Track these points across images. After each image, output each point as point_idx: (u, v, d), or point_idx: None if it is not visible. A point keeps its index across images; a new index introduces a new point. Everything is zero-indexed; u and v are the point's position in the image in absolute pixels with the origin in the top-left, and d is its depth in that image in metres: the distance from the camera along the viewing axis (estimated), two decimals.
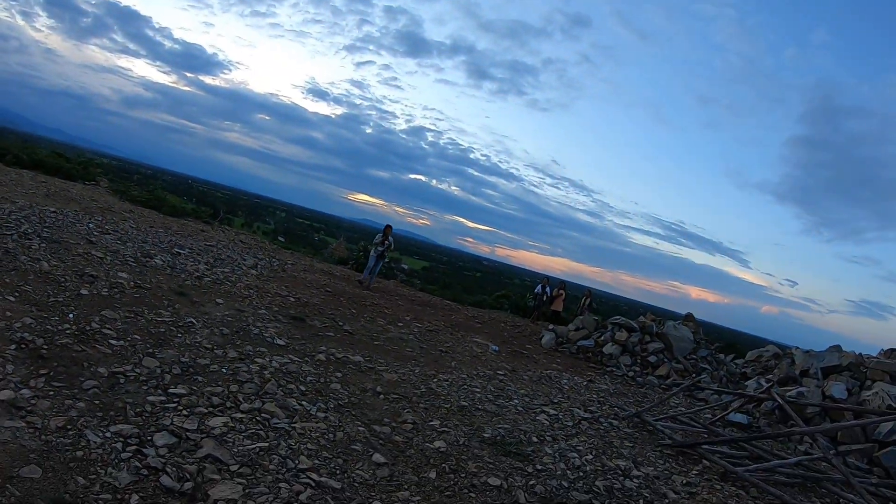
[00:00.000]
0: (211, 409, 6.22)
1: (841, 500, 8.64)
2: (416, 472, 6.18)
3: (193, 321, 8.97)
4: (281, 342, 9.38)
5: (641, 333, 18.51)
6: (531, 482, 6.67)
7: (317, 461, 5.74)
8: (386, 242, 20.45)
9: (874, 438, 11.81)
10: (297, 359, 8.76)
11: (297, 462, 5.59)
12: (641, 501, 6.94)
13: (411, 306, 18.52)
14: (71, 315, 7.66)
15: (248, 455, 5.47)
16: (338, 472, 5.68)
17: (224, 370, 7.38)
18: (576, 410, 10.44)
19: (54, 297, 8.13)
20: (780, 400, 10.58)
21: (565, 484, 6.85)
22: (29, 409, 5.24)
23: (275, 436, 6.01)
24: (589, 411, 10.67)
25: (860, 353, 16.18)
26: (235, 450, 5.49)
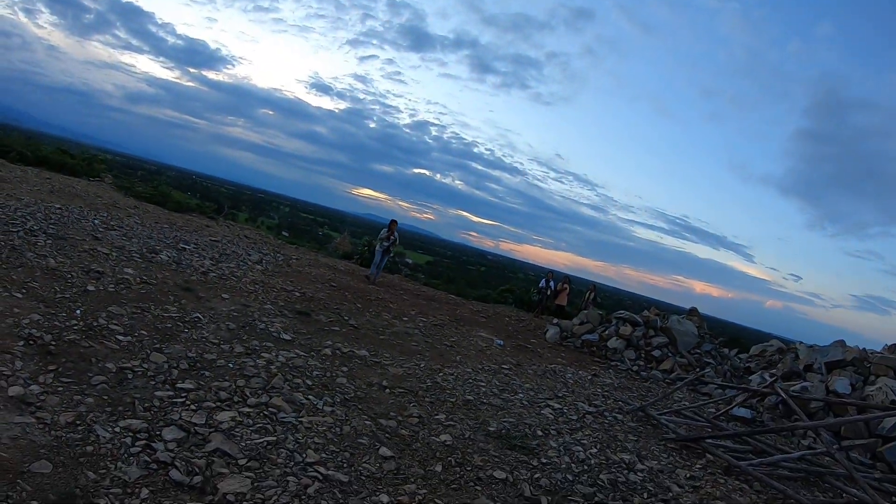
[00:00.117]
0: (218, 403, 6.25)
1: (844, 495, 8.65)
2: (422, 466, 6.21)
3: (200, 316, 9.02)
4: (287, 337, 9.42)
5: (645, 328, 18.52)
6: (536, 475, 6.71)
7: (324, 455, 5.78)
8: (392, 238, 20.48)
9: (877, 434, 11.84)
10: (303, 353, 8.80)
11: (304, 456, 5.62)
12: (645, 495, 6.97)
13: (416, 301, 18.57)
14: (78, 311, 7.71)
15: (256, 449, 5.50)
16: (345, 465, 5.72)
17: (231, 365, 7.43)
18: (580, 404, 10.47)
19: (61, 294, 8.17)
20: (783, 395, 10.61)
21: (570, 477, 6.89)
22: (38, 404, 5.28)
23: (282, 430, 6.04)
24: (593, 405, 10.70)
25: (864, 349, 16.20)
26: (243, 444, 5.53)
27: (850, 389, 14.31)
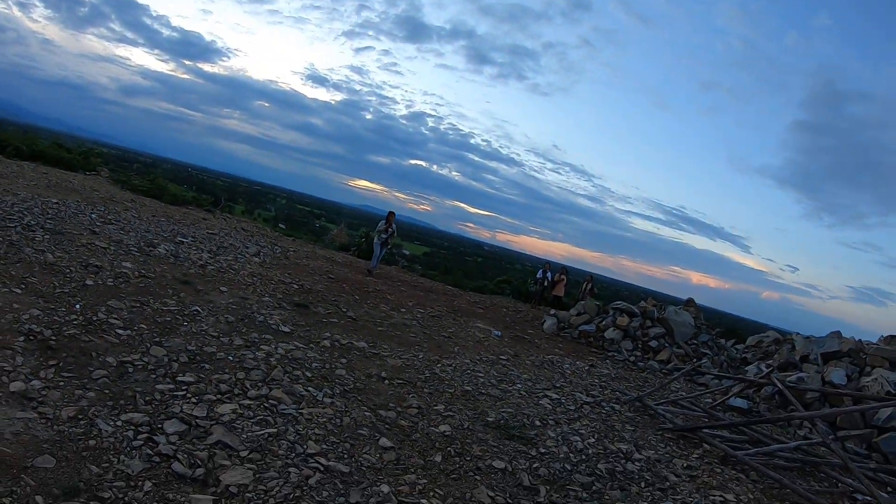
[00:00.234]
0: (219, 396, 6.29)
1: (839, 485, 8.72)
2: (422, 456, 6.27)
3: (199, 309, 9.04)
4: (286, 329, 9.46)
5: (643, 318, 18.60)
6: (535, 465, 6.77)
7: (325, 446, 5.82)
8: (390, 229, 20.50)
9: (873, 424, 11.91)
10: (302, 345, 8.84)
11: (305, 447, 5.67)
12: (643, 484, 7.02)
13: (413, 292, 18.61)
14: (77, 306, 7.73)
15: (258, 441, 5.55)
16: (345, 456, 5.77)
17: (231, 358, 7.46)
18: (578, 395, 10.53)
19: (60, 289, 8.19)
20: (779, 385, 10.66)
21: (568, 467, 6.95)
22: (40, 399, 5.31)
23: (283, 422, 6.09)
24: (591, 395, 10.76)
25: (860, 340, 16.26)
26: (245, 436, 5.57)
27: (846, 380, 14.37)
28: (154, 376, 6.39)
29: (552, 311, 20.59)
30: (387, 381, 8.40)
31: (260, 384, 6.87)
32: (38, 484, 4.22)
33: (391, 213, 20.96)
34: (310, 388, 7.17)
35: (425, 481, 5.73)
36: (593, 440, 8.15)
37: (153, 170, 48.11)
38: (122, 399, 5.72)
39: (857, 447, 11.50)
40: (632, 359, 16.78)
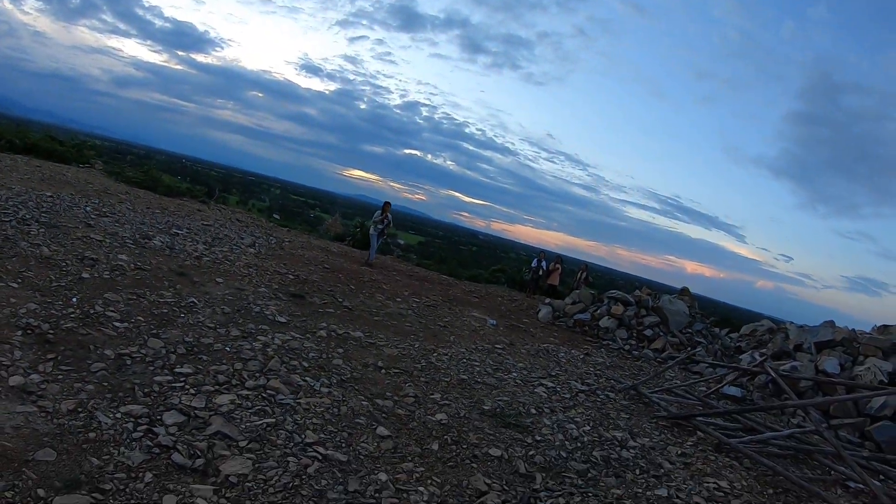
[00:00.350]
0: (217, 386, 6.34)
1: (832, 472, 8.79)
2: (419, 444, 6.32)
3: (195, 301, 9.08)
4: (282, 319, 9.50)
5: (637, 307, 18.65)
6: (531, 452, 6.82)
7: (323, 435, 5.88)
8: (385, 220, 20.50)
9: (866, 413, 11.99)
10: (298, 336, 8.88)
11: (303, 436, 5.72)
12: (637, 471, 7.07)
13: (409, 281, 18.63)
14: (74, 299, 7.76)
15: (256, 431, 5.60)
16: (343, 445, 5.82)
17: (228, 348, 7.50)
18: (573, 383, 10.59)
19: (56, 282, 8.22)
20: (773, 374, 10.71)
21: (564, 454, 7.01)
22: (39, 393, 5.35)
23: (281, 411, 6.14)
24: (586, 384, 10.81)
25: (853, 329, 16.34)
26: (243, 426, 5.62)
27: (840, 369, 14.44)
28: (152, 368, 6.44)
29: (547, 300, 20.64)
30: (383, 371, 8.45)
31: (257, 374, 6.92)
32: (40, 477, 4.26)
33: (387, 204, 20.94)
34: (307, 378, 7.22)
35: (422, 469, 5.78)
36: (588, 428, 8.20)
37: (147, 161, 47.95)
38: (121, 391, 5.76)
39: (849, 436, 11.59)
40: (626, 347, 16.84)
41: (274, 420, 5.90)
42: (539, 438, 7.34)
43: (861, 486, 8.06)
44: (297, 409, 6.28)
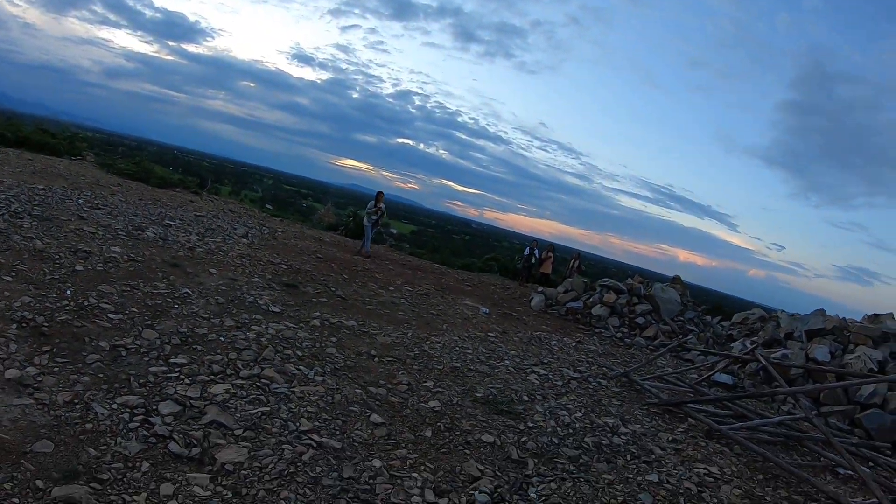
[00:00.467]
0: (212, 376, 6.39)
1: (821, 459, 8.89)
2: (412, 431, 6.40)
3: (189, 292, 9.11)
4: (276, 309, 9.54)
5: (629, 295, 18.73)
6: (523, 439, 6.90)
7: (317, 423, 5.94)
8: (379, 209, 20.51)
9: (856, 401, 12.10)
10: (292, 325, 8.93)
11: (298, 424, 5.78)
12: (629, 457, 7.15)
13: (402, 270, 18.67)
14: (68, 291, 7.79)
15: (251, 419, 5.66)
16: (338, 432, 5.89)
17: (222, 338, 7.55)
18: (565, 370, 10.66)
19: (50, 275, 8.24)
20: (763, 361, 10.79)
21: (556, 440, 7.09)
22: (36, 386, 5.39)
23: (275, 400, 6.19)
24: (578, 371, 10.88)
25: (844, 318, 16.45)
26: (238, 415, 5.68)
27: (830, 357, 14.53)
28: (147, 359, 6.48)
29: (540, 289, 20.71)
30: (377, 359, 8.51)
31: (252, 364, 6.97)
32: (38, 468, 4.31)
33: (380, 194, 20.91)
34: (301, 367, 7.28)
35: (416, 455, 5.86)
36: (580, 414, 8.28)
37: (139, 153, 47.71)
38: (117, 382, 5.80)
39: (839, 423, 11.70)
40: (619, 335, 16.93)
41: (269, 408, 5.96)
42: (531, 425, 7.41)
43: (850, 472, 8.15)
44: (291, 398, 6.34)
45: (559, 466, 6.46)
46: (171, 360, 6.55)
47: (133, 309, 7.79)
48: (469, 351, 10.27)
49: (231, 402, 5.92)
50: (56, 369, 5.80)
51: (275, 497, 4.62)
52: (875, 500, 6.96)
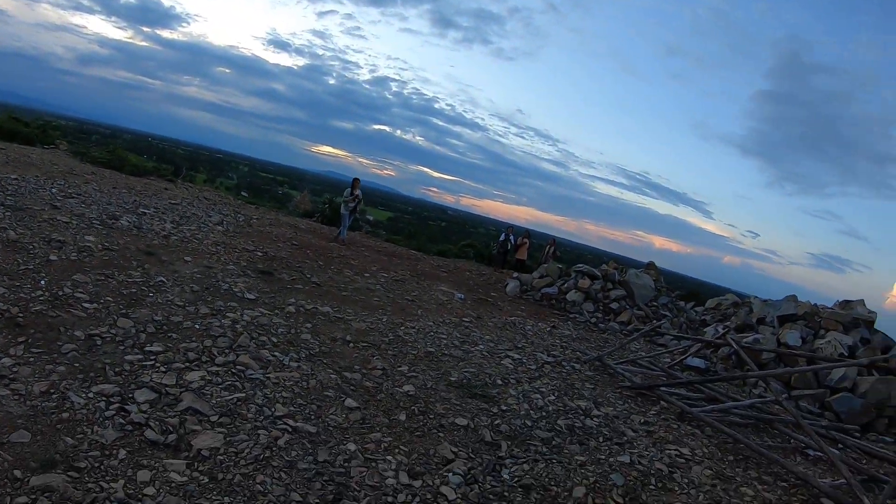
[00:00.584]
0: (187, 364, 6.43)
1: (791, 441, 9.06)
2: (386, 415, 6.48)
3: (164, 280, 9.13)
4: (251, 296, 9.58)
5: (604, 281, 18.86)
6: (496, 422, 7.01)
7: (292, 408, 6.01)
8: (356, 196, 20.50)
9: (826, 384, 12.34)
10: (267, 312, 8.97)
11: (273, 410, 5.85)
12: (601, 438, 7.26)
13: (377, 257, 18.71)
14: (42, 281, 7.79)
15: (227, 406, 5.72)
16: (313, 417, 5.97)
17: (197, 326, 7.58)
18: (539, 355, 10.76)
19: (24, 265, 8.22)
20: (735, 345, 10.93)
21: (529, 423, 7.20)
22: (11, 376, 5.41)
23: (251, 386, 6.25)
24: (552, 355, 10.98)
25: (815, 304, 16.73)
26: (214, 401, 5.74)
27: (801, 342, 14.77)
28: (122, 347, 6.51)
29: (515, 274, 20.80)
30: (351, 345, 8.58)
31: (227, 351, 7.01)
32: (16, 458, 4.35)
33: (356, 180, 20.88)
34: (276, 353, 7.34)
35: (390, 439, 5.95)
36: (553, 398, 8.39)
37: (112, 141, 47.34)
38: (92, 371, 5.84)
39: (810, 406, 11.94)
40: (593, 320, 17.06)
41: (244, 394, 6.02)
42: (505, 408, 7.52)
43: (819, 453, 8.31)
44: (266, 384, 6.40)
45: (532, 448, 6.56)
46: (147, 349, 6.59)
47: (108, 298, 7.81)
48: (444, 336, 10.35)
49: (206, 388, 5.97)
50: (31, 359, 5.82)
51: (251, 481, 4.69)
52: (843, 480, 7.12)
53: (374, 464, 5.40)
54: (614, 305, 17.99)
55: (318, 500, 4.68)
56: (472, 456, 6.05)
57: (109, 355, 6.25)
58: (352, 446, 5.57)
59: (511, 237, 25.55)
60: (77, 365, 5.90)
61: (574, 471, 6.20)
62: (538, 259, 26.03)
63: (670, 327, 17.18)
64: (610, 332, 16.15)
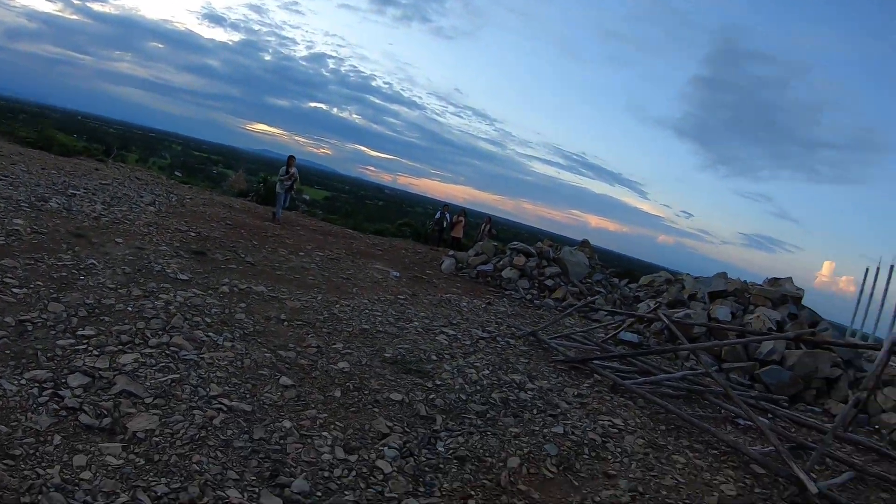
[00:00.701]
0: (120, 346, 6.38)
1: (722, 411, 9.40)
2: (321, 392, 6.55)
3: (95, 262, 9.02)
4: (184, 277, 9.52)
5: (539, 258, 19.12)
6: (431, 396, 7.14)
7: (227, 387, 6.03)
8: (292, 174, 20.36)
9: (756, 358, 12.82)
10: (200, 292, 8.93)
11: (208, 390, 5.86)
12: (535, 411, 7.44)
13: (312, 236, 18.65)
14: None
15: (161, 387, 5.71)
16: (248, 396, 6.00)
17: (130, 308, 7.52)
18: (474, 331, 10.92)
19: None
20: (666, 320, 11.20)
21: (463, 397, 7.35)
22: None
23: (185, 367, 6.24)
24: (487, 331, 11.15)
25: (745, 281, 17.30)
26: (148, 383, 5.72)
27: (731, 317, 15.30)
28: (54, 332, 6.44)
29: (451, 252, 20.98)
30: (286, 323, 8.61)
31: (160, 332, 6.98)
32: None
33: (291, 157, 20.73)
34: (210, 334, 7.33)
35: (325, 415, 6.03)
36: (488, 372, 8.54)
37: (40, 120, 46.11)
38: (24, 357, 5.77)
39: (740, 378, 12.39)
40: (528, 297, 17.30)
41: (178, 375, 6.01)
42: (439, 383, 7.65)
43: (749, 423, 8.63)
44: (200, 364, 6.40)
45: (467, 421, 6.71)
46: (79, 333, 6.52)
47: (38, 282, 7.70)
48: (378, 313, 10.42)
49: (140, 371, 5.95)
50: None
51: (187, 461, 4.71)
52: (772, 447, 7.41)
53: (309, 440, 5.48)
54: (549, 282, 18.27)
55: (254, 478, 4.73)
56: (408, 430, 6.17)
57: (41, 341, 6.18)
58: (287, 423, 5.63)
59: (447, 215, 25.71)
60: (8, 352, 5.82)
61: (508, 442, 6.36)
62: (474, 237, 26.23)
63: (604, 303, 17.51)
64: (545, 308, 16.41)
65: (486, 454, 6.01)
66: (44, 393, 5.21)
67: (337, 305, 10.25)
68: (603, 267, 21.19)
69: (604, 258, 22.85)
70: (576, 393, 8.50)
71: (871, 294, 16.59)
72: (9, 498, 3.96)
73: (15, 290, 7.27)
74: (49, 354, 5.92)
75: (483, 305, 14.08)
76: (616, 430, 7.35)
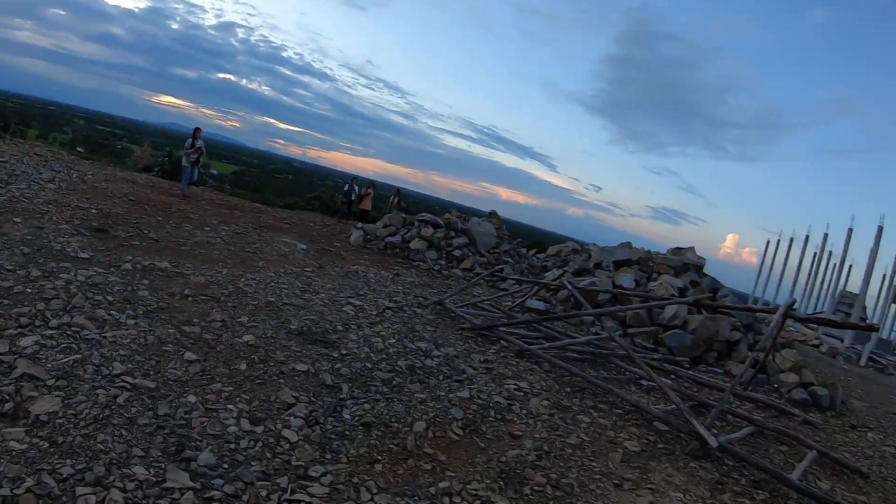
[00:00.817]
0: (20, 329, 6.28)
1: (626, 373, 9.83)
2: (227, 366, 6.59)
3: None
4: (85, 255, 9.35)
5: (447, 229, 19.40)
6: (337, 366, 7.29)
7: (130, 365, 6.01)
8: (197, 146, 20.03)
9: (659, 323, 13.43)
10: (102, 270, 8.79)
11: (111, 369, 5.83)
12: (441, 377, 7.69)
13: (219, 211, 18.49)
14: None
15: (63, 368, 5.66)
16: (151, 372, 6.00)
17: (29, 290, 7.37)
18: (381, 301, 11.09)
19: None
20: (571, 287, 11.54)
21: (369, 365, 7.53)
22: None
23: (87, 347, 6.19)
24: (394, 301, 11.35)
25: (649, 250, 17.95)
26: (49, 365, 5.66)
27: (635, 285, 15.91)
28: None
29: (359, 224, 21.06)
30: (190, 299, 8.58)
31: (61, 313, 6.88)
32: None
33: (197, 129, 20.40)
34: (112, 312, 7.25)
35: (231, 388, 6.09)
36: (394, 340, 8.75)
37: None
38: None
39: (645, 342, 12.98)
40: (436, 268, 17.60)
41: (80, 356, 5.96)
42: (345, 352, 7.81)
43: (652, 383, 9.05)
44: (103, 343, 6.35)
45: (373, 389, 6.89)
46: None
47: None
48: (284, 286, 10.48)
49: (41, 353, 5.88)
50: None
51: (92, 441, 4.71)
52: (674, 406, 7.80)
53: (215, 413, 5.54)
54: (457, 253, 18.56)
55: (160, 454, 4.77)
56: (314, 399, 6.30)
57: None
58: (192, 398, 5.67)
59: (355, 188, 25.75)
60: None
61: (414, 407, 6.58)
62: (383, 209, 26.36)
63: (512, 272, 17.87)
64: (453, 278, 16.71)
65: (393, 420, 6.19)
66: None
67: (242, 279, 10.26)
68: (511, 237, 21.61)
69: (515, 230, 23.25)
70: (482, 359, 8.77)
71: (772, 264, 17.45)
72: None
73: None
74: None
75: (391, 276, 14.25)
76: (522, 394, 7.64)
